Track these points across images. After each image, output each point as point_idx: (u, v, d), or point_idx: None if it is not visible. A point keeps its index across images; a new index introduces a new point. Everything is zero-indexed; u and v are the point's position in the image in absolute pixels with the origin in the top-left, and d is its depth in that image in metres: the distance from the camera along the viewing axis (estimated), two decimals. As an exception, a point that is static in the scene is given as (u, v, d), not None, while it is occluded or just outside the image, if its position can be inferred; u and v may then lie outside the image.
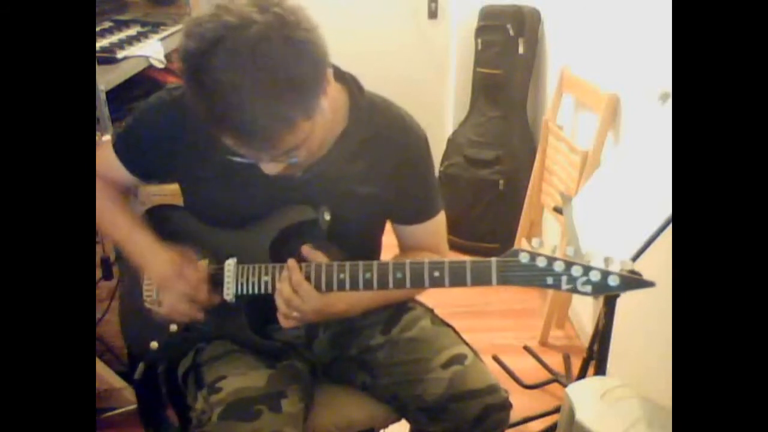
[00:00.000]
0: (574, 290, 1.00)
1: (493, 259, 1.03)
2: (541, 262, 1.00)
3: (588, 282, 0.99)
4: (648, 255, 1.15)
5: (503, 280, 1.03)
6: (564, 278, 1.00)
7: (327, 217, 1.13)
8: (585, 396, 1.38)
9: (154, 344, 1.25)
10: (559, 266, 1.00)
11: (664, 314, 1.58)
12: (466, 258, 1.07)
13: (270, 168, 1.04)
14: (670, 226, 1.14)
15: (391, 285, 1.08)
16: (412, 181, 1.22)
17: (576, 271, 0.99)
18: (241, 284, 1.14)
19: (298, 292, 1.09)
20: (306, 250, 1.12)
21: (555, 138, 2.30)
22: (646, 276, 1.20)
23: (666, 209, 1.13)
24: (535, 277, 1.01)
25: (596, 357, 1.55)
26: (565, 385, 1.70)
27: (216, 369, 1.18)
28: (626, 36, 1.95)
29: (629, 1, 1.95)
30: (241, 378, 1.15)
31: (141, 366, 1.28)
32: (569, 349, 2.29)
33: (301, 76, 0.93)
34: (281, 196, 1.15)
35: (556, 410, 1.84)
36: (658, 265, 1.28)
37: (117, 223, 1.23)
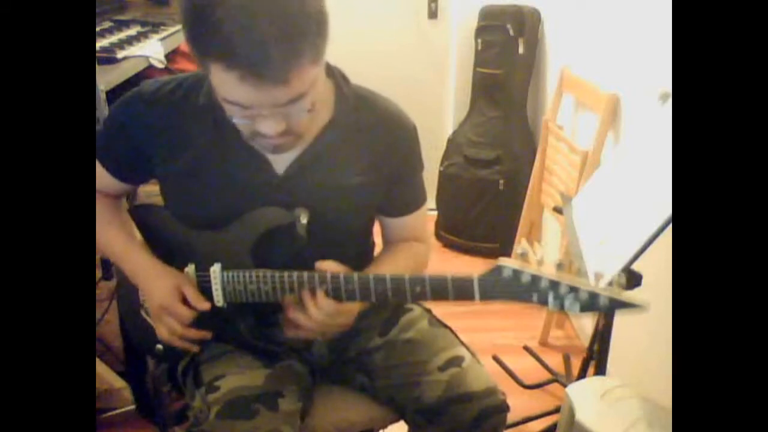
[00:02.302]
0: (562, 308, 0.95)
1: (475, 275, 1.00)
2: (525, 278, 0.96)
3: (576, 300, 0.94)
4: (648, 255, 1.15)
5: (486, 297, 1.00)
6: (550, 295, 0.95)
7: (304, 219, 1.10)
8: (585, 396, 1.38)
9: (159, 347, 1.25)
10: (544, 283, 0.95)
11: (664, 314, 1.58)
12: (465, 259, 1.05)
13: (269, 127, 0.98)
14: (670, 226, 1.14)
15: (373, 298, 1.07)
16: (401, 172, 1.20)
17: (563, 289, 0.94)
18: (229, 292, 1.13)
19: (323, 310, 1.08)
20: (324, 264, 1.09)
21: (555, 138, 2.30)
22: (647, 276, 1.21)
23: (666, 209, 1.13)
24: (519, 293, 0.97)
25: (596, 357, 1.55)
26: (565, 385, 1.70)
27: (214, 368, 1.18)
28: (626, 36, 1.95)
29: (629, 1, 1.95)
30: (239, 377, 1.15)
31: (153, 363, 1.29)
32: (569, 349, 2.29)
33: (311, 10, 0.91)
34: (262, 195, 1.12)
35: (556, 410, 1.84)
36: (658, 265, 1.28)
37: (113, 240, 1.20)
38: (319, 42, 0.93)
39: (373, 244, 1.33)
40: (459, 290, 1.02)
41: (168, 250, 1.19)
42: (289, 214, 1.11)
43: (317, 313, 1.07)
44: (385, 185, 1.18)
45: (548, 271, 0.95)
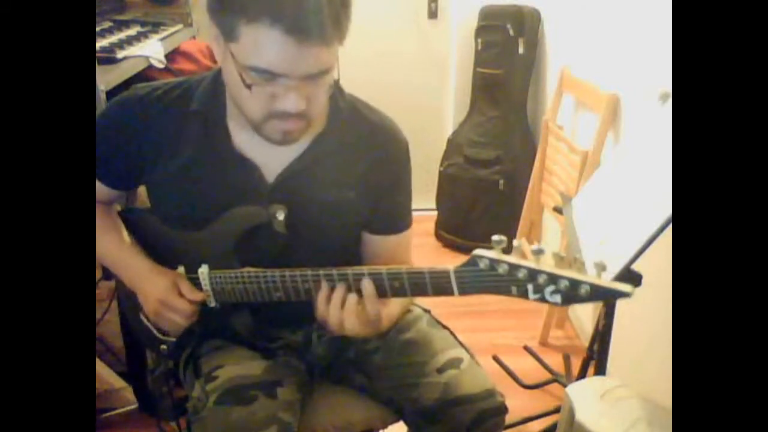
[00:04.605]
0: (543, 299, 0.89)
1: (451, 268, 0.95)
2: (502, 269, 0.90)
3: (557, 291, 0.87)
4: (648, 255, 1.15)
5: (465, 291, 0.94)
6: (530, 287, 0.89)
7: (281, 216, 1.09)
8: (585, 396, 1.38)
9: (164, 346, 1.25)
10: (522, 274, 0.88)
11: (665, 314, 1.59)
12: (464, 259, 0.99)
13: (291, 102, 0.97)
14: (670, 226, 1.14)
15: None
16: (390, 188, 1.19)
17: (542, 279, 0.87)
18: (218, 292, 1.13)
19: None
20: None
21: (555, 138, 2.30)
22: (647, 276, 1.21)
23: (666, 209, 1.13)
24: (497, 285, 0.91)
25: (596, 357, 1.55)
26: (565, 385, 1.70)
27: (213, 359, 1.19)
28: (626, 36, 1.95)
29: (629, 1, 1.95)
30: (238, 366, 1.15)
31: (155, 360, 1.29)
32: (569, 349, 2.29)
33: None
34: (252, 203, 1.11)
35: (556, 410, 1.84)
36: (658, 265, 1.28)
37: (107, 247, 1.20)
38: (346, 24, 0.96)
39: (359, 256, 1.32)
40: (437, 285, 0.97)
41: (155, 253, 1.19)
42: (266, 211, 1.10)
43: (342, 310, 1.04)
44: (373, 199, 1.17)
45: (528, 261, 0.89)
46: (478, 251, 0.91)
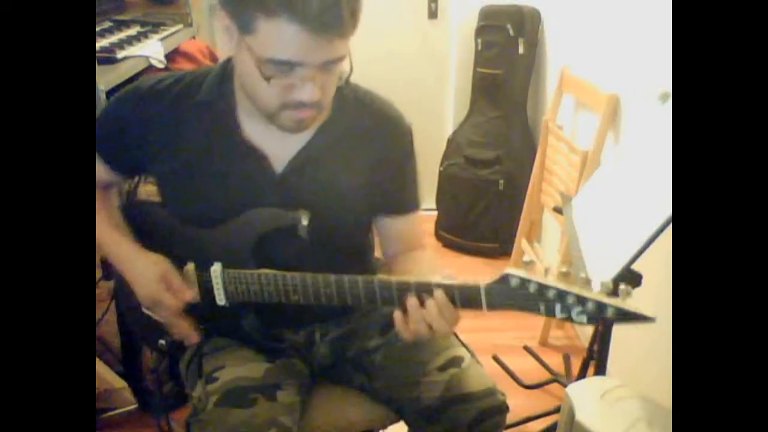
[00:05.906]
0: (569, 319, 0.92)
1: (482, 284, 0.97)
2: (533, 288, 0.93)
3: (583, 312, 0.91)
4: (648, 255, 1.15)
5: (493, 306, 0.97)
6: (558, 306, 0.92)
7: (305, 221, 1.10)
8: (585, 396, 1.37)
9: (162, 342, 1.25)
10: (552, 293, 0.92)
11: (665, 314, 1.58)
12: (465, 259, 1.00)
13: (308, 92, 0.99)
14: (670, 226, 1.14)
15: (379, 305, 1.04)
16: (396, 172, 1.20)
17: (571, 299, 0.91)
18: (231, 291, 1.13)
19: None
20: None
21: (555, 138, 2.30)
22: (647, 276, 1.21)
23: (666, 209, 1.13)
24: (526, 303, 0.94)
25: (596, 357, 1.55)
26: (565, 385, 1.70)
27: (216, 359, 1.19)
28: (626, 36, 1.95)
29: (629, 1, 1.95)
30: (239, 368, 1.15)
31: (155, 358, 1.29)
32: (569, 349, 2.29)
33: None
34: (261, 193, 1.12)
35: (556, 410, 1.84)
36: (658, 265, 1.28)
37: (97, 227, 1.19)
38: (360, 12, 0.99)
39: (372, 244, 1.33)
40: (466, 299, 0.99)
41: (166, 248, 1.19)
42: (290, 215, 1.11)
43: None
44: (381, 186, 1.18)
45: (554, 281, 0.93)
46: (509, 269, 0.95)
